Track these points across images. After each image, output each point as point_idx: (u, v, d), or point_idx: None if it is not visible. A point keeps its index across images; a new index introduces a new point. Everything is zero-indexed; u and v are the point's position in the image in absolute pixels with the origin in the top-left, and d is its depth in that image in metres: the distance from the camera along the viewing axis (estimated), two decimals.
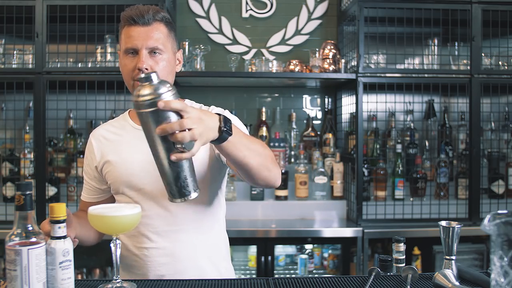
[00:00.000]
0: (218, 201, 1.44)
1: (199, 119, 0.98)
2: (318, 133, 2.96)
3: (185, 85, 2.90)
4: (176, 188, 1.01)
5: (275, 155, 1.51)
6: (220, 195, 1.45)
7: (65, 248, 0.97)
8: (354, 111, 2.53)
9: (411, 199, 2.63)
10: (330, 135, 2.85)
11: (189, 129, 0.94)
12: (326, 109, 3.01)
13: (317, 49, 2.75)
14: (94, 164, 1.43)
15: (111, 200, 1.46)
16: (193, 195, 1.02)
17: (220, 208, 1.46)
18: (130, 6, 1.34)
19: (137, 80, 1.05)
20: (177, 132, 0.93)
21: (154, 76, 0.94)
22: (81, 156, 2.62)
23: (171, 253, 1.36)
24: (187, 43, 2.69)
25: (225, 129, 1.04)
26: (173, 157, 0.96)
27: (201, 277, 1.31)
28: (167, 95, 0.93)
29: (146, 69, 1.29)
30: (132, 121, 1.44)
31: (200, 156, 1.34)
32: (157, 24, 1.33)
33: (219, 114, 1.06)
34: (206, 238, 1.40)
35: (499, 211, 0.77)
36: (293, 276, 2.68)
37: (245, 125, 1.49)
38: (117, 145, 1.41)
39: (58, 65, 2.52)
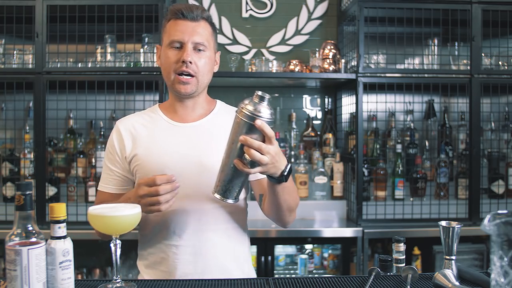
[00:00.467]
0: (245, 204, 1.49)
1: (275, 154, 1.10)
2: (318, 133, 2.96)
3: None
4: (223, 186, 1.13)
5: None
6: (246, 199, 1.50)
7: (65, 248, 0.97)
8: (354, 111, 2.53)
9: (411, 199, 2.63)
10: (330, 135, 2.86)
11: (262, 154, 1.07)
12: (326, 109, 3.01)
13: (317, 49, 2.75)
14: (123, 154, 1.42)
15: None
16: (230, 201, 1.15)
17: (246, 210, 1.50)
18: (177, 3, 1.43)
19: (256, 94, 1.08)
20: (252, 149, 1.06)
21: (267, 99, 1.08)
22: (81, 156, 2.63)
23: (199, 252, 1.37)
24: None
25: (285, 175, 1.18)
26: (236, 161, 1.09)
27: (226, 277, 1.32)
28: (266, 117, 1.07)
29: (190, 62, 1.34)
30: (165, 116, 1.46)
31: None
32: (204, 21, 1.39)
33: (288, 162, 1.19)
34: (233, 239, 1.43)
35: (499, 211, 0.77)
36: (293, 276, 2.68)
37: None
38: (149, 138, 1.41)
39: (58, 65, 2.52)
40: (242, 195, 1.44)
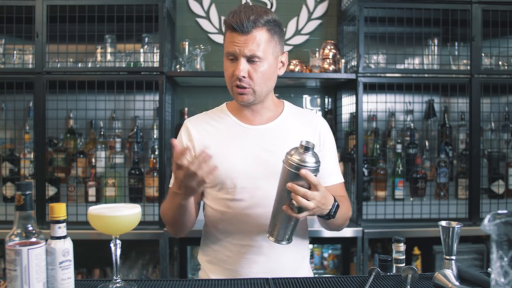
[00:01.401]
0: None
1: (320, 199, 1.17)
2: None
3: (185, 85, 2.90)
4: (276, 230, 1.21)
5: None
6: None
7: (65, 248, 0.97)
8: (354, 111, 2.53)
9: (411, 199, 2.63)
10: None
11: (308, 200, 1.14)
12: (326, 109, 3.01)
13: (317, 49, 2.75)
14: (193, 153, 1.39)
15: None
16: (284, 243, 1.22)
17: None
18: (236, 9, 1.35)
19: (300, 145, 1.16)
20: (299, 196, 1.13)
21: (311, 148, 1.15)
22: (81, 156, 2.63)
23: (268, 253, 1.39)
24: (187, 43, 2.70)
25: (332, 214, 1.25)
26: (285, 207, 1.16)
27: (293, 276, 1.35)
28: (311, 166, 1.14)
29: (244, 76, 1.34)
30: (234, 117, 1.47)
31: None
32: (258, 31, 1.33)
33: (335, 200, 1.24)
34: (300, 239, 1.46)
35: (499, 211, 0.77)
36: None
37: None
38: (219, 140, 1.42)
39: (58, 65, 2.52)
40: None
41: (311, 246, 2.74)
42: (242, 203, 1.38)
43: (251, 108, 1.44)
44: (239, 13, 1.33)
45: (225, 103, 1.54)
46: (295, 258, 1.45)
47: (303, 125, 1.49)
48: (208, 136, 1.43)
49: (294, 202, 1.15)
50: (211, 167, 1.16)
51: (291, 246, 1.40)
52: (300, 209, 1.16)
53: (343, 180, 1.54)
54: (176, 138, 1.42)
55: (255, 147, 1.41)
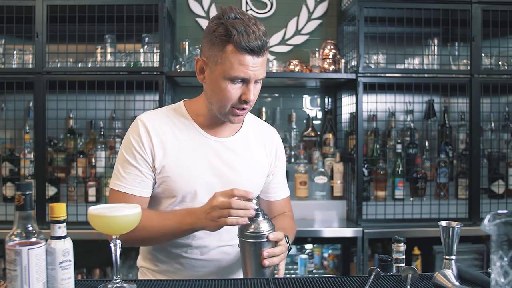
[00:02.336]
0: None
1: (284, 249, 1.23)
2: (318, 133, 2.96)
3: (185, 85, 2.90)
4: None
5: None
6: None
7: (65, 248, 0.97)
8: (354, 111, 2.53)
9: (411, 199, 2.63)
10: (330, 135, 2.85)
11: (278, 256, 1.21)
12: (326, 109, 3.01)
13: (317, 49, 2.75)
14: (152, 159, 1.31)
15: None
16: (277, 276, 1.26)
17: None
18: (241, 25, 1.21)
19: (252, 217, 1.19)
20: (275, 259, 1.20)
21: (261, 212, 1.20)
22: (81, 156, 2.63)
23: (219, 266, 1.39)
24: (187, 43, 2.69)
25: (289, 248, 1.28)
26: (267, 262, 1.19)
27: None
28: (268, 230, 1.20)
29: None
30: (198, 126, 1.37)
31: (258, 181, 1.47)
32: (266, 51, 1.27)
33: (285, 236, 1.25)
34: None
35: (499, 211, 0.77)
36: (293, 276, 2.68)
37: None
38: (180, 149, 1.33)
39: (58, 65, 2.52)
40: None
41: (311, 246, 2.74)
42: None
43: (223, 123, 1.38)
44: (253, 33, 1.20)
45: (182, 101, 1.42)
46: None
47: (262, 140, 1.48)
48: (170, 143, 1.32)
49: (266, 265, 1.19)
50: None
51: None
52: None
53: (289, 193, 1.58)
54: None
55: (217, 161, 1.36)
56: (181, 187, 1.32)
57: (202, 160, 1.34)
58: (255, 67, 1.23)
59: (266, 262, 1.17)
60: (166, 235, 1.29)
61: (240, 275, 1.41)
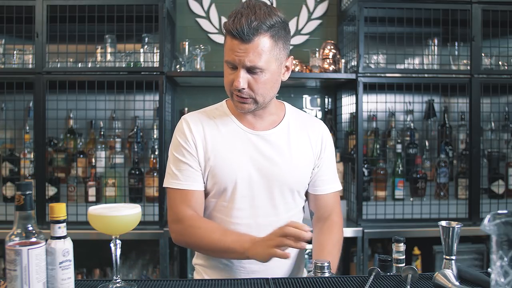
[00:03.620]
0: (302, 212, 1.51)
1: None
2: None
3: (185, 85, 2.90)
4: None
5: None
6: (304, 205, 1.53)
7: (65, 248, 0.97)
8: (354, 111, 2.53)
9: (411, 199, 2.63)
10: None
11: None
12: (326, 109, 3.01)
13: (317, 49, 2.75)
14: (197, 154, 1.35)
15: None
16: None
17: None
18: (236, 11, 1.23)
19: (315, 265, 1.17)
20: None
21: (327, 267, 1.18)
22: (81, 156, 2.63)
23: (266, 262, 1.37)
24: (187, 43, 2.69)
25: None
26: None
27: None
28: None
29: (243, 88, 1.26)
30: (238, 121, 1.39)
31: (303, 175, 1.44)
32: (260, 38, 1.22)
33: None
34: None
35: (499, 211, 0.77)
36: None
37: None
38: (222, 143, 1.36)
39: (58, 65, 2.52)
40: (301, 201, 1.48)
41: (311, 246, 2.74)
42: (241, 212, 1.36)
43: (253, 113, 1.38)
44: (240, 17, 1.20)
45: (225, 100, 1.46)
46: (292, 265, 1.46)
47: (306, 131, 1.45)
48: (210, 138, 1.36)
49: None
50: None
51: (294, 253, 1.44)
52: None
53: (341, 188, 1.54)
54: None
55: (257, 155, 1.36)
56: (222, 179, 1.34)
57: (242, 154, 1.35)
58: (241, 52, 1.22)
59: None
60: (219, 251, 1.30)
61: (285, 270, 1.42)
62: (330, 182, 1.49)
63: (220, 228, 1.32)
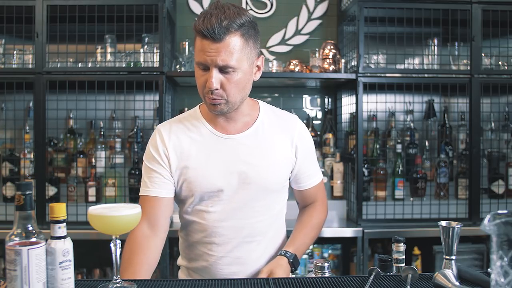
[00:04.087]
0: (284, 213, 1.51)
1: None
2: (318, 133, 2.96)
3: (185, 85, 2.90)
4: None
5: None
6: (285, 206, 1.53)
7: (65, 248, 0.97)
8: (354, 111, 2.53)
9: (411, 199, 2.63)
10: (330, 135, 2.85)
11: None
12: (326, 109, 3.01)
13: (317, 49, 2.75)
14: (168, 164, 1.36)
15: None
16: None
17: (284, 214, 1.53)
18: (204, 12, 1.24)
19: (316, 265, 1.18)
20: None
21: (327, 267, 1.19)
22: (81, 156, 2.63)
23: (244, 262, 1.39)
24: (187, 43, 2.69)
25: (293, 268, 1.34)
26: None
27: None
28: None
29: (216, 89, 1.26)
30: (209, 126, 1.39)
31: (281, 176, 1.43)
32: (231, 37, 1.22)
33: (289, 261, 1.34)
34: (276, 247, 1.47)
35: (499, 211, 0.77)
36: (293, 276, 2.68)
37: None
38: (195, 150, 1.36)
39: (58, 65, 2.52)
40: (282, 199, 1.48)
41: (311, 246, 2.74)
42: (219, 215, 1.36)
43: (225, 116, 1.37)
44: (210, 17, 1.20)
45: (198, 105, 1.45)
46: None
47: (281, 129, 1.44)
48: (184, 146, 1.36)
49: None
50: None
51: (271, 254, 1.43)
52: None
53: (322, 177, 1.56)
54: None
55: (232, 159, 1.36)
56: (199, 186, 1.35)
57: (217, 159, 1.35)
58: (212, 52, 1.22)
59: None
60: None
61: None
62: (312, 176, 1.51)
63: (131, 267, 1.30)
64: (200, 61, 1.25)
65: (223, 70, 1.25)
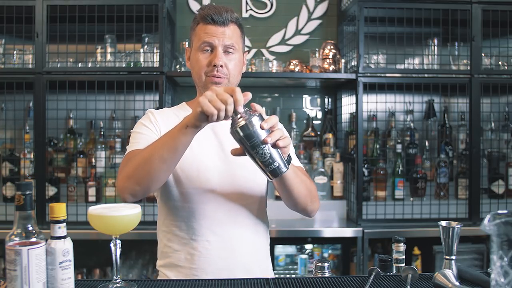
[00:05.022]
0: (266, 200, 1.52)
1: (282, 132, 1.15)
2: (318, 133, 2.96)
3: (185, 85, 2.90)
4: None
5: None
6: (267, 194, 1.53)
7: (65, 248, 0.97)
8: (354, 111, 2.53)
9: (411, 199, 2.63)
10: (330, 135, 2.86)
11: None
12: (326, 109, 3.01)
13: (317, 49, 2.75)
14: (159, 132, 1.37)
15: None
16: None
17: (266, 207, 1.53)
18: (206, 5, 1.42)
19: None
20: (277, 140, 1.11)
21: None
22: (81, 156, 2.63)
23: (232, 248, 1.38)
24: (187, 43, 2.69)
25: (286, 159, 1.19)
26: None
27: (257, 272, 1.37)
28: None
29: (221, 66, 1.36)
30: None
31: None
32: (233, 24, 1.40)
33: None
34: (261, 235, 1.46)
35: (499, 211, 0.77)
36: (293, 276, 2.68)
37: None
38: None
39: (58, 65, 2.52)
40: (263, 191, 1.47)
41: (311, 246, 2.74)
42: (207, 197, 1.37)
43: None
44: (213, 7, 1.38)
45: (184, 102, 1.53)
46: (259, 253, 1.45)
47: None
48: (173, 125, 1.34)
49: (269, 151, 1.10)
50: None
51: (256, 241, 1.43)
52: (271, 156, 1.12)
53: (301, 165, 1.53)
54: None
55: (218, 143, 1.42)
56: (186, 167, 1.36)
57: (206, 144, 1.40)
58: (219, 34, 1.37)
59: (268, 139, 1.08)
60: (162, 146, 1.20)
61: (255, 267, 1.41)
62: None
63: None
64: (206, 40, 1.37)
65: (226, 50, 1.38)
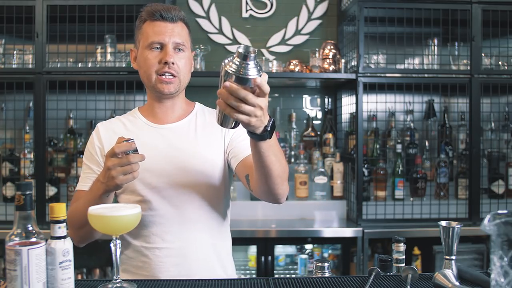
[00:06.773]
0: (226, 201, 1.47)
1: (263, 106, 1.00)
2: (318, 133, 2.96)
3: None
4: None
5: None
6: (227, 195, 1.48)
7: (65, 248, 0.97)
8: (354, 111, 2.53)
9: (411, 199, 2.63)
10: (330, 135, 2.86)
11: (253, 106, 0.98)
12: (326, 109, 3.01)
13: (317, 49, 2.75)
14: (101, 159, 1.39)
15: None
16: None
17: (227, 207, 1.48)
18: (151, 3, 1.40)
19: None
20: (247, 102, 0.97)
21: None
22: (81, 156, 2.62)
23: (184, 253, 1.36)
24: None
25: (269, 130, 1.06)
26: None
27: (211, 277, 1.32)
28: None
29: (172, 63, 1.34)
30: (144, 118, 1.46)
31: (215, 160, 1.41)
32: (181, 22, 1.40)
33: (270, 117, 1.08)
34: (216, 236, 1.43)
35: (499, 211, 0.77)
36: (293, 276, 2.68)
37: None
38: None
39: (58, 65, 2.52)
40: (223, 184, 1.42)
41: (311, 246, 2.74)
42: (155, 203, 1.35)
43: (163, 105, 1.43)
44: (160, 5, 1.37)
45: (137, 107, 1.54)
46: (216, 255, 1.42)
47: (213, 123, 1.33)
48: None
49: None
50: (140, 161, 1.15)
51: (210, 243, 1.39)
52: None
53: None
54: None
55: (165, 146, 1.39)
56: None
57: (152, 150, 1.36)
58: (169, 31, 1.35)
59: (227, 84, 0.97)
60: (91, 200, 1.23)
61: (210, 272, 1.39)
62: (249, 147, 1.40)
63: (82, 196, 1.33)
64: (155, 40, 1.35)
65: (176, 47, 1.36)
